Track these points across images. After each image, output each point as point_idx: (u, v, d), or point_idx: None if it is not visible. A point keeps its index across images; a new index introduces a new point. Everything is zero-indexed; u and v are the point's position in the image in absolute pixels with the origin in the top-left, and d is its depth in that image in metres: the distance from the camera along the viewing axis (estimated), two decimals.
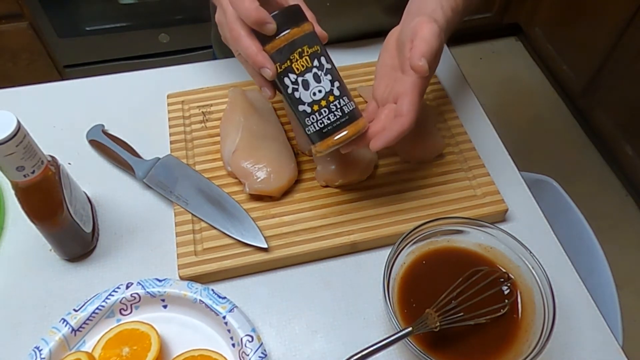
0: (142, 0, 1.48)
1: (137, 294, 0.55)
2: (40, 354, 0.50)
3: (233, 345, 0.53)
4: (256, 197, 0.63)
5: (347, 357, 0.47)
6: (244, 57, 0.52)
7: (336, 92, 0.51)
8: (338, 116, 0.51)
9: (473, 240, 0.57)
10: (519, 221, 0.64)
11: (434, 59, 0.52)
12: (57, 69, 1.62)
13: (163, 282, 0.56)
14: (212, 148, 0.67)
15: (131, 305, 0.55)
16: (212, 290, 0.55)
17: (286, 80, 0.51)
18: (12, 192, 0.51)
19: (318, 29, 0.52)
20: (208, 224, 0.60)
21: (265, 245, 0.58)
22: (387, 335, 0.48)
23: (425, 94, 0.74)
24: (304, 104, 0.51)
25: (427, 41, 0.52)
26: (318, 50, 0.51)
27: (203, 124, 0.70)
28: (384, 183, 0.65)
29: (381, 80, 0.59)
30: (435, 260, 0.56)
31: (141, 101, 0.75)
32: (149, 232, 0.62)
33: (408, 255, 0.56)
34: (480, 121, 0.74)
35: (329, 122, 0.51)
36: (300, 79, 0.50)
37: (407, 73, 0.52)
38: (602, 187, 1.78)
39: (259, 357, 0.51)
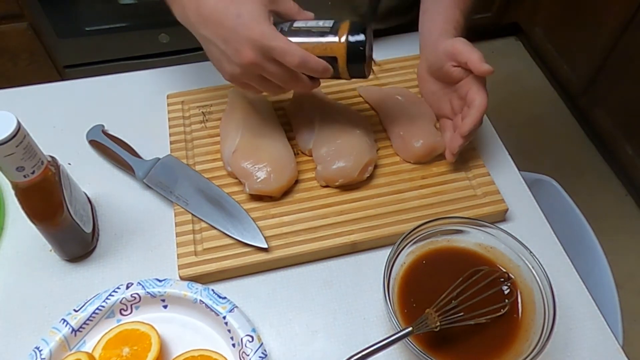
0: (142, 0, 1.47)
1: (137, 294, 0.55)
2: (41, 354, 0.50)
3: (233, 345, 0.53)
4: (256, 197, 0.63)
5: (347, 357, 0.47)
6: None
7: None
8: None
9: (473, 240, 0.57)
10: (519, 221, 0.64)
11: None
12: (57, 69, 1.62)
13: (163, 282, 0.56)
14: (212, 148, 0.67)
15: (131, 305, 0.55)
16: (212, 290, 0.55)
17: None
18: (12, 192, 0.51)
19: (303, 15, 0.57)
20: (208, 224, 0.60)
21: (265, 245, 0.58)
22: (387, 335, 0.48)
23: None
24: None
25: (471, 49, 0.60)
26: None
27: (203, 124, 0.70)
28: (384, 183, 0.65)
29: (440, 103, 0.68)
30: (435, 260, 0.56)
31: (141, 101, 0.75)
32: (149, 232, 0.62)
33: (408, 255, 0.56)
34: None
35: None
36: None
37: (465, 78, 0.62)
38: (602, 187, 1.77)
39: (259, 357, 0.51)
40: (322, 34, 0.55)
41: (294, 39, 0.54)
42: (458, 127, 0.62)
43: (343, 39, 0.54)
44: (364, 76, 0.58)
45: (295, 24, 0.56)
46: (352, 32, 0.54)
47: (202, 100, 0.72)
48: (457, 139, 0.62)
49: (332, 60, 0.55)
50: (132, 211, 0.64)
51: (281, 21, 0.56)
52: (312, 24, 0.55)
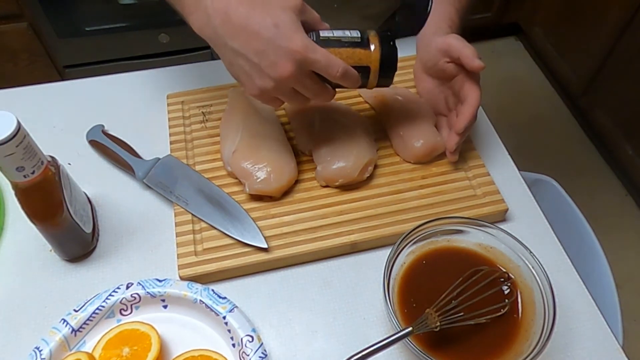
0: (142, 0, 1.48)
1: (137, 294, 0.55)
2: (41, 354, 0.50)
3: (233, 345, 0.53)
4: (256, 197, 0.63)
5: (347, 357, 0.47)
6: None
7: None
8: None
9: (473, 240, 0.57)
10: (519, 221, 0.64)
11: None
12: (57, 69, 1.62)
13: (163, 282, 0.56)
14: (212, 148, 0.67)
15: (131, 305, 0.55)
16: (212, 290, 0.55)
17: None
18: (12, 192, 0.51)
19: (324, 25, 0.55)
20: (208, 224, 0.60)
21: (265, 245, 0.58)
22: (387, 335, 0.48)
23: None
24: None
25: (464, 45, 0.60)
26: None
27: (203, 124, 0.70)
28: (384, 183, 0.65)
29: (435, 101, 0.68)
30: (435, 260, 0.56)
31: (141, 101, 0.75)
32: (149, 232, 0.62)
33: (408, 255, 0.56)
34: (480, 121, 0.74)
35: None
36: None
37: (459, 75, 0.63)
38: (602, 186, 1.77)
39: (259, 357, 0.51)
40: (355, 44, 0.54)
41: (328, 50, 0.53)
42: (452, 124, 0.63)
43: (376, 48, 0.54)
44: (389, 85, 0.58)
45: (322, 34, 0.54)
46: (383, 41, 0.55)
47: (202, 100, 0.72)
48: (453, 136, 0.62)
49: (363, 69, 0.55)
50: (132, 211, 0.64)
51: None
52: (339, 33, 0.54)
